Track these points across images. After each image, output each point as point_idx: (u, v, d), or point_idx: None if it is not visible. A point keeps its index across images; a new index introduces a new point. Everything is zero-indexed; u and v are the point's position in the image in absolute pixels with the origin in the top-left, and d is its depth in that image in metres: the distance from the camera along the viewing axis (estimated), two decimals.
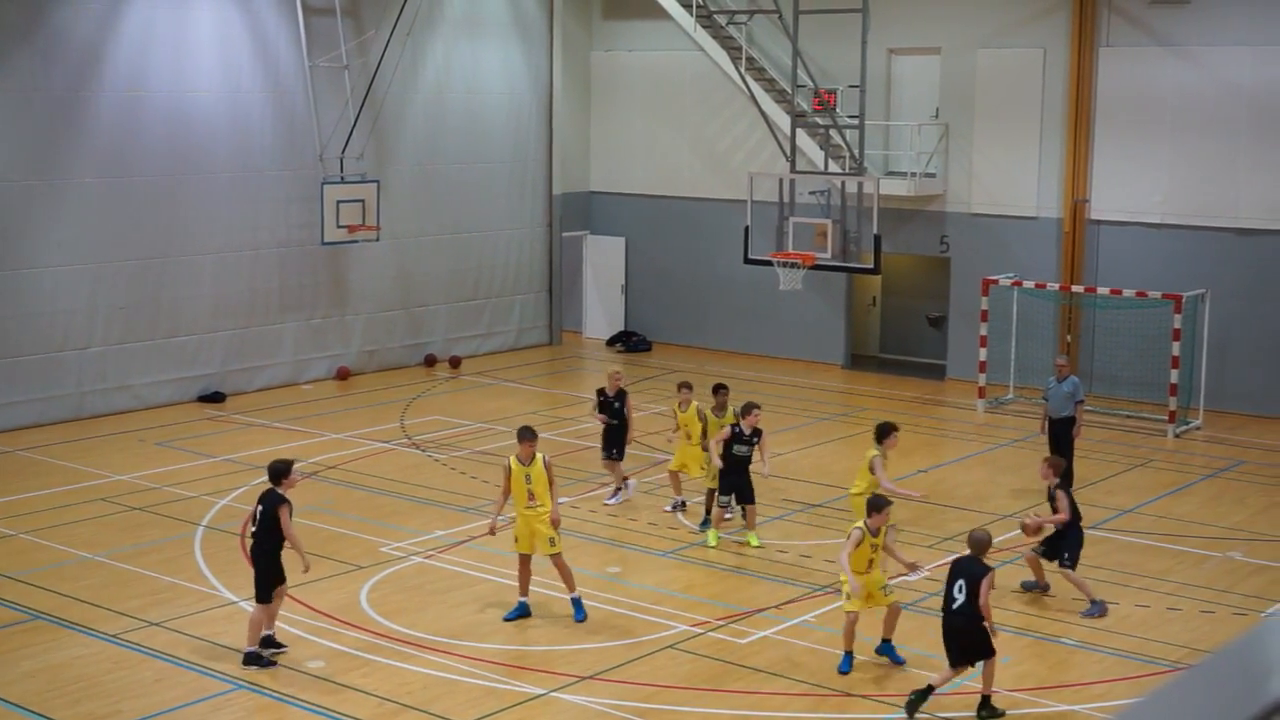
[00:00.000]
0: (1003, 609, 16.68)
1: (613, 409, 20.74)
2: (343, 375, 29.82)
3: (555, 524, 15.99)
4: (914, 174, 29.25)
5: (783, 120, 28.72)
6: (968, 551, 14.06)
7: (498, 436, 24.75)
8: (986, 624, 13.53)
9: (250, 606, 15.21)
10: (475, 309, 32.67)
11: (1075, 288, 27.58)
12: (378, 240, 29.62)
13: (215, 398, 27.64)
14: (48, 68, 25.28)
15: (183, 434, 24.99)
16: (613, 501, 20.83)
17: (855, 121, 27.02)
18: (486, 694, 14.16)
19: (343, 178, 28.96)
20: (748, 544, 18.82)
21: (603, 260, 34.76)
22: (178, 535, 19.21)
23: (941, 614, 13.89)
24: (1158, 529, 19.93)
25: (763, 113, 29.10)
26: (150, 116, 26.67)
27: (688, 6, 30.60)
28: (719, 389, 20.34)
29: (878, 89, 29.13)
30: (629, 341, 33.80)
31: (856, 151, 27.10)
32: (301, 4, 28.52)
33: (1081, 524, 16.77)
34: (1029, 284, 27.61)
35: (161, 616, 16.24)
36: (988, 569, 13.73)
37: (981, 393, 27.39)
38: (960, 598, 13.55)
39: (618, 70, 34.11)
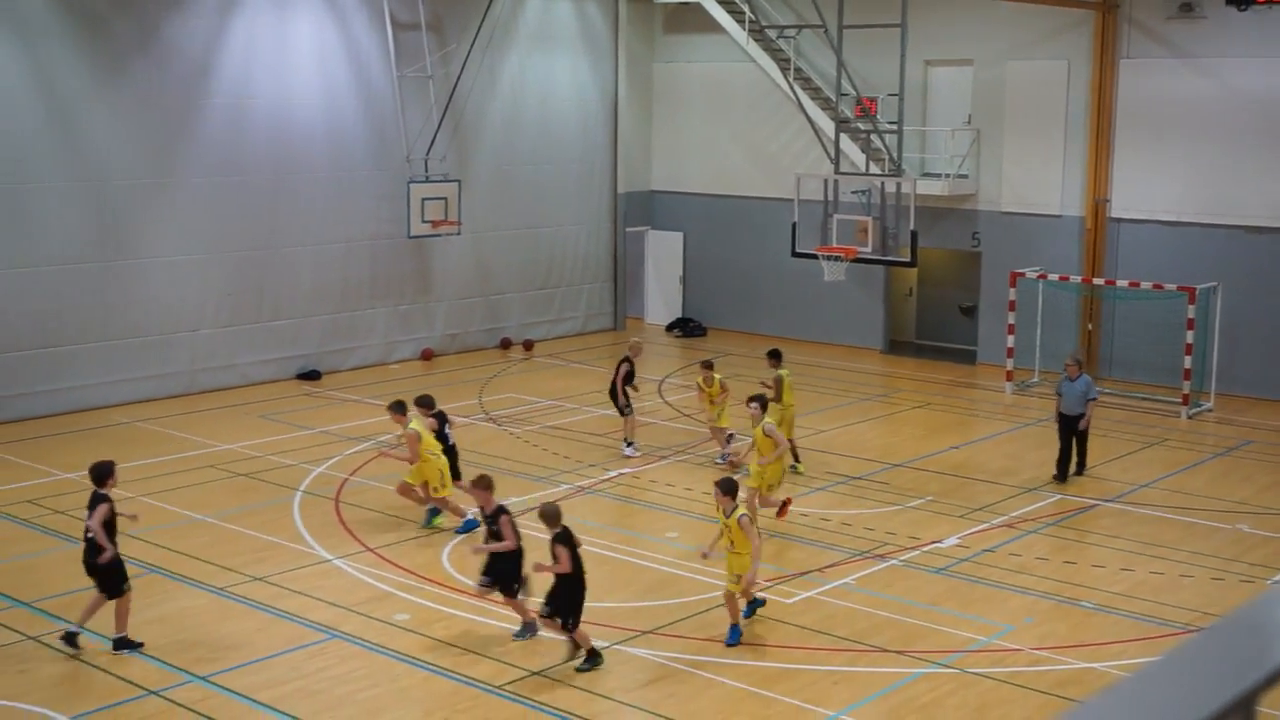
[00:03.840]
0: (1030, 574, 16.62)
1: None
2: (427, 356, 29.98)
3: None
4: (948, 175, 29.10)
5: (827, 125, 28.59)
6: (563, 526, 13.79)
7: (566, 413, 24.84)
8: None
9: (344, 564, 15.30)
10: (546, 297, 32.74)
11: (1096, 280, 27.38)
12: (459, 234, 29.72)
13: (312, 375, 27.86)
14: (163, 78, 25.51)
15: (283, 408, 25.20)
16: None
17: (894, 127, 26.84)
18: (556, 645, 14.21)
19: (427, 177, 29.08)
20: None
21: (663, 253, 34.74)
22: (278, 499, 19.39)
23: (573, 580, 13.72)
24: (1171, 502, 19.74)
25: (809, 119, 29.00)
26: (255, 122, 26.86)
27: (741, 22, 30.58)
28: (773, 354, 21.35)
29: (915, 97, 28.93)
30: (686, 327, 33.76)
31: (895, 154, 26.93)
32: (391, 20, 28.64)
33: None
34: (1053, 276, 27.39)
35: (263, 572, 16.40)
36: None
37: (1009, 376, 27.20)
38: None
39: (677, 80, 34.06)
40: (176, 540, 17.55)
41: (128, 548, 17.11)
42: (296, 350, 27.91)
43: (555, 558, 13.55)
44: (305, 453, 21.90)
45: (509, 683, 13.31)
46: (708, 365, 21.30)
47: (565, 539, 13.68)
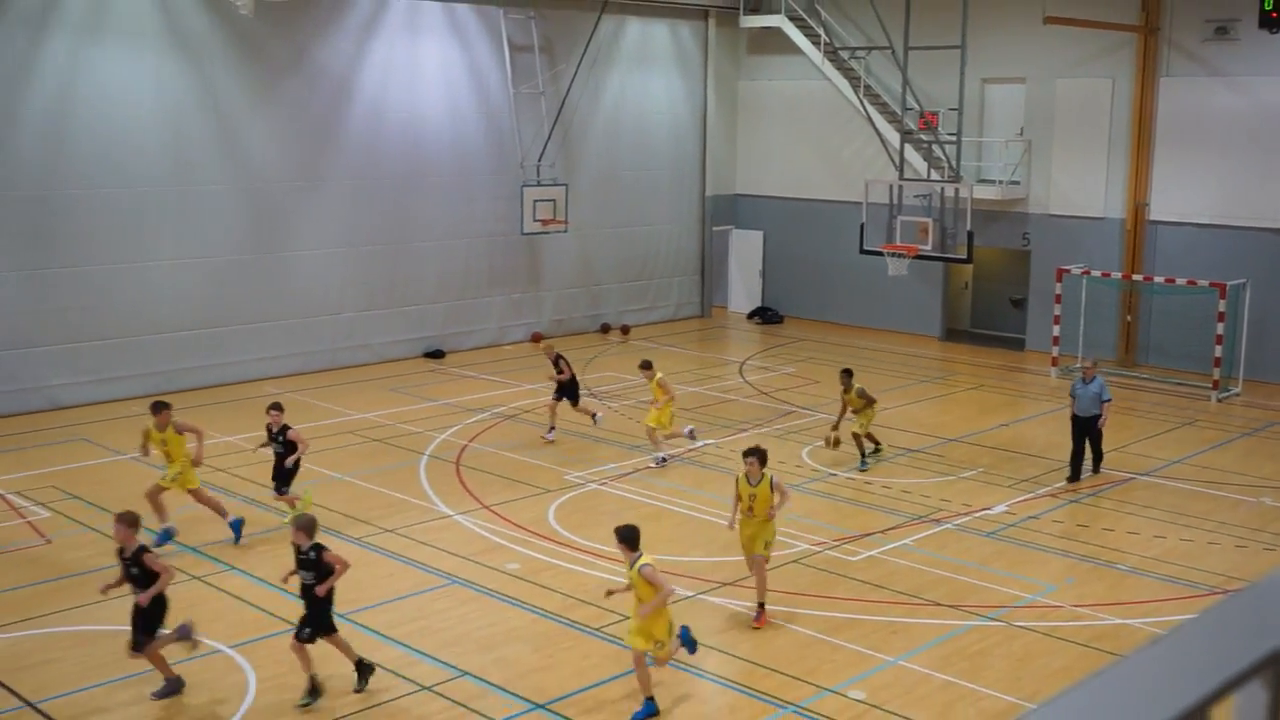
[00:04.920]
0: (1071, 539, 16.38)
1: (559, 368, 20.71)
2: (536, 339, 30.10)
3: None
4: (1001, 182, 28.67)
5: (893, 137, 28.30)
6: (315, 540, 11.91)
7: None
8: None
9: (463, 519, 15.36)
10: (642, 287, 32.74)
11: (1135, 276, 26.84)
12: (565, 231, 29.82)
13: (436, 354, 28.11)
14: (310, 94, 25.83)
15: (411, 382, 25.46)
16: (549, 436, 20.75)
17: (953, 138, 26.53)
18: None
19: (538, 181, 29.18)
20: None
21: (745, 249, 34.61)
22: (406, 462, 19.60)
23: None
24: (1200, 477, 19.33)
25: (877, 130, 28.72)
26: (389, 132, 27.12)
27: (817, 44, 30.37)
28: (845, 372, 19.62)
29: (973, 111, 28.54)
30: (765, 315, 33.61)
31: (954, 163, 26.61)
32: (509, 43, 28.75)
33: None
34: (1096, 273, 26.88)
35: (393, 525, 16.62)
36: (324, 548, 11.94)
37: (1054, 362, 26.76)
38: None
39: (760, 95, 33.86)
40: (320, 496, 17.77)
41: (279, 502, 17.41)
42: (423, 332, 28.18)
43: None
44: (430, 421, 22.12)
45: (604, 626, 13.37)
46: (646, 366, 19.81)
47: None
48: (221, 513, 15.93)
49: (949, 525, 16.87)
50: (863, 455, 19.44)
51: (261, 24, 24.32)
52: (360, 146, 26.66)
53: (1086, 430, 18.71)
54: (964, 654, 12.83)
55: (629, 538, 11.62)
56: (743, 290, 34.76)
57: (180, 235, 24.21)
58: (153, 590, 11.62)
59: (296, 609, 13.90)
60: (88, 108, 22.86)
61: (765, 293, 34.28)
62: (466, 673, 12.28)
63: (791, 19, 31.14)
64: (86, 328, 23.22)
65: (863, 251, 27.00)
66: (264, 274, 25.44)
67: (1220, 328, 24.56)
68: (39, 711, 11.44)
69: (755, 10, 32.21)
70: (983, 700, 11.82)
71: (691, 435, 20.03)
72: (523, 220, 28.88)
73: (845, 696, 11.87)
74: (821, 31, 30.46)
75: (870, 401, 19.37)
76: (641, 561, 11.40)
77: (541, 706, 11.62)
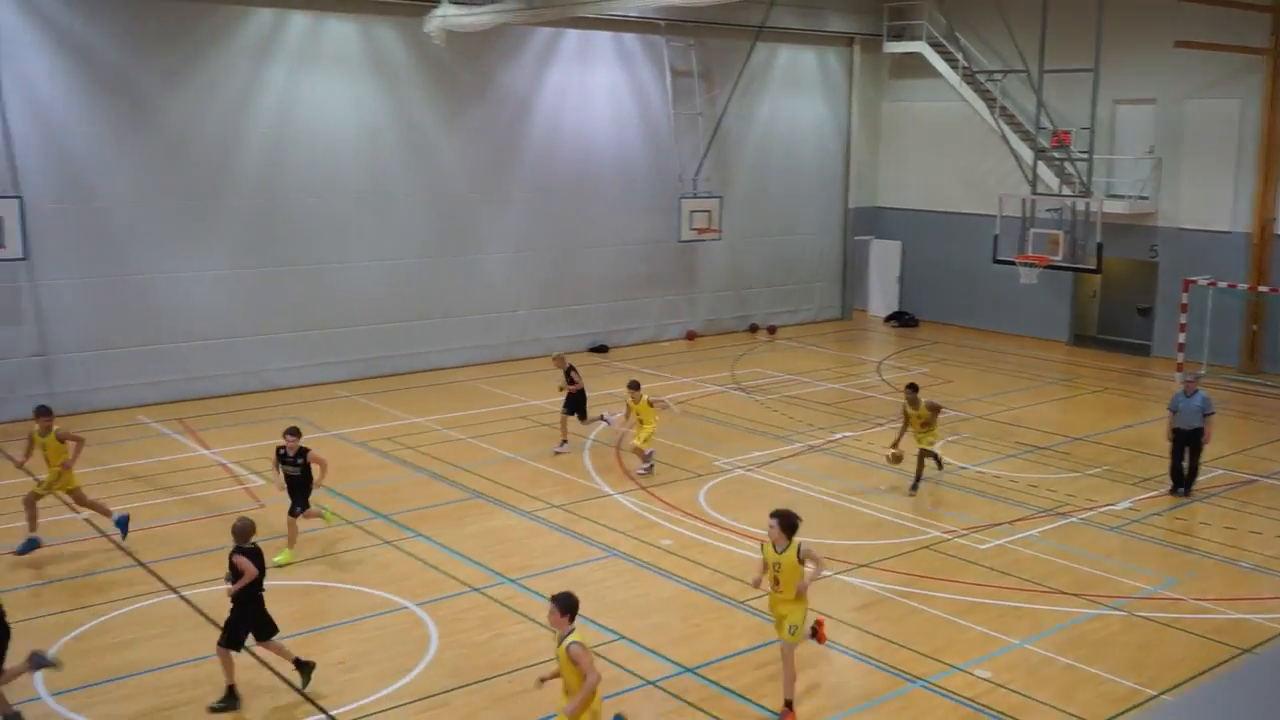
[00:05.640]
0: (1194, 536, 15.70)
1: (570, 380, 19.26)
2: (690, 337, 30.16)
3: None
4: (1131, 196, 27.64)
5: (1026, 154, 27.49)
6: (248, 544, 11.02)
7: (801, 386, 24.62)
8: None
9: (622, 498, 15.40)
10: (787, 291, 32.48)
11: (1261, 288, 25.60)
12: (719, 239, 29.77)
13: (600, 349, 28.34)
14: (493, 115, 26.27)
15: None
16: (561, 449, 19.12)
17: (1085, 156, 25.63)
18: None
19: (695, 194, 29.18)
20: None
21: (884, 257, 34.04)
22: (571, 445, 19.66)
23: (246, 603, 10.99)
24: None
25: (1011, 149, 27.92)
26: (562, 149, 27.43)
27: (955, 68, 29.71)
28: (911, 388, 17.58)
29: (1104, 130, 27.55)
30: (902, 319, 33.02)
31: (1085, 179, 25.71)
32: (670, 69, 28.81)
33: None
34: (1222, 284, 25.72)
35: (560, 501, 16.79)
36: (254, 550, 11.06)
37: (1179, 367, 25.65)
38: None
39: (901, 116, 33.26)
40: (496, 474, 18.14)
41: (460, 478, 17.79)
42: (589, 329, 28.44)
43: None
44: (594, 409, 22.27)
45: (748, 600, 13.30)
46: (634, 386, 18.11)
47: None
48: (106, 512, 14.98)
49: (1074, 519, 16.32)
50: (918, 477, 17.37)
51: (451, 53, 24.84)
52: (536, 162, 27.03)
53: (1188, 443, 17.21)
54: (1086, 640, 12.40)
55: (567, 605, 8.97)
56: (881, 295, 34.20)
57: (378, 239, 24.91)
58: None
59: (472, 572, 14.17)
60: (301, 126, 23.68)
61: (902, 298, 33.67)
62: (623, 636, 12.35)
63: (932, 45, 30.56)
64: (298, 319, 24.05)
65: (996, 261, 26.27)
66: (449, 274, 26.00)
67: None
68: (250, 653, 11.88)
69: (898, 37, 31.67)
70: (1104, 685, 11.41)
71: (603, 419, 19.36)
72: (680, 229, 28.93)
73: (971, 674, 11.59)
74: (960, 56, 29.79)
75: (936, 410, 17.35)
76: (571, 639, 8.84)
77: (690, 670, 11.62)
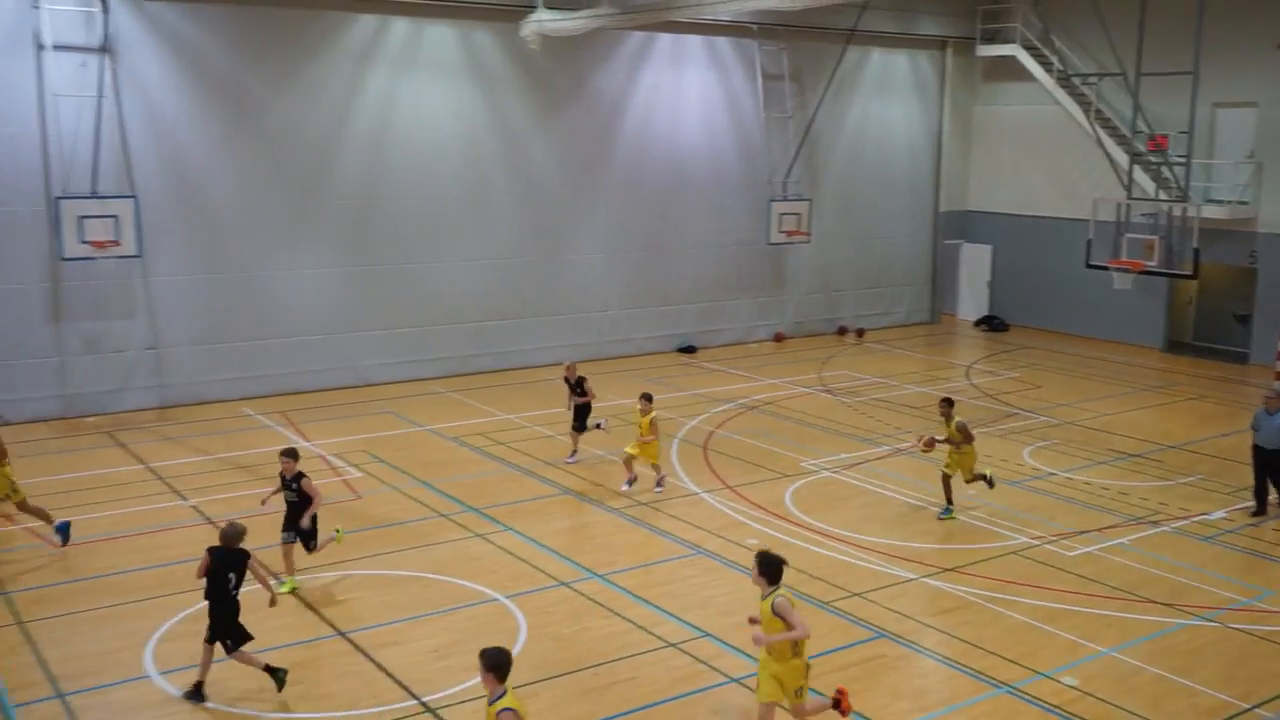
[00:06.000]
0: None
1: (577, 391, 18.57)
2: (778, 338, 30.03)
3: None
4: (1230, 201, 26.90)
5: (1122, 158, 26.91)
6: (220, 544, 11.05)
7: (889, 389, 24.39)
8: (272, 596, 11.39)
9: (709, 497, 15.36)
10: (876, 294, 32.18)
11: None
12: (808, 242, 29.62)
13: (689, 349, 28.35)
14: (586, 117, 26.44)
15: (665, 374, 25.73)
16: (570, 461, 18.52)
17: (1183, 160, 25.01)
18: (873, 575, 14.05)
19: (785, 197, 29.06)
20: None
21: (974, 261, 33.54)
22: (660, 444, 19.79)
23: (210, 601, 10.99)
24: None
25: (1106, 153, 27.36)
26: (654, 151, 27.50)
27: (1050, 71, 29.19)
28: (945, 401, 16.29)
29: (1202, 134, 26.83)
30: (991, 323, 32.51)
31: (1182, 183, 25.09)
32: (761, 73, 28.71)
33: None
34: None
35: (648, 499, 16.79)
36: (247, 554, 11.12)
37: (1278, 376, 24.92)
38: (234, 586, 11.00)
39: (993, 119, 32.74)
40: (585, 471, 18.22)
41: (550, 474, 17.95)
42: (678, 329, 28.48)
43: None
44: (682, 409, 22.33)
45: (833, 600, 13.24)
46: (646, 398, 16.94)
47: None
48: (47, 519, 14.78)
49: (1166, 528, 15.94)
50: (949, 501, 16.09)
51: (546, 58, 25.06)
52: (628, 164, 27.14)
53: (1270, 463, 16.11)
54: (1177, 650, 12.12)
55: (497, 664, 8.12)
56: (970, 299, 33.71)
57: (473, 239, 25.24)
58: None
59: (560, 566, 14.32)
60: (400, 129, 24.09)
61: (992, 302, 33.15)
62: (708, 634, 12.38)
63: (1026, 48, 30.03)
64: (394, 316, 24.48)
65: (1089, 266, 25.75)
66: (543, 273, 26.24)
67: None
68: (347, 639, 12.15)
69: (992, 40, 31.19)
70: (1196, 696, 11.15)
71: (599, 426, 18.71)
72: (769, 231, 28.83)
73: (1058, 681, 11.40)
74: (1055, 59, 29.25)
75: (968, 439, 15.90)
76: (503, 705, 7.99)
77: None
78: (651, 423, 16.72)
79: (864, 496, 16.94)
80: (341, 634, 12.28)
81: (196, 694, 10.94)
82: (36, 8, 20.16)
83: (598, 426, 18.90)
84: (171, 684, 11.19)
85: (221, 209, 22.40)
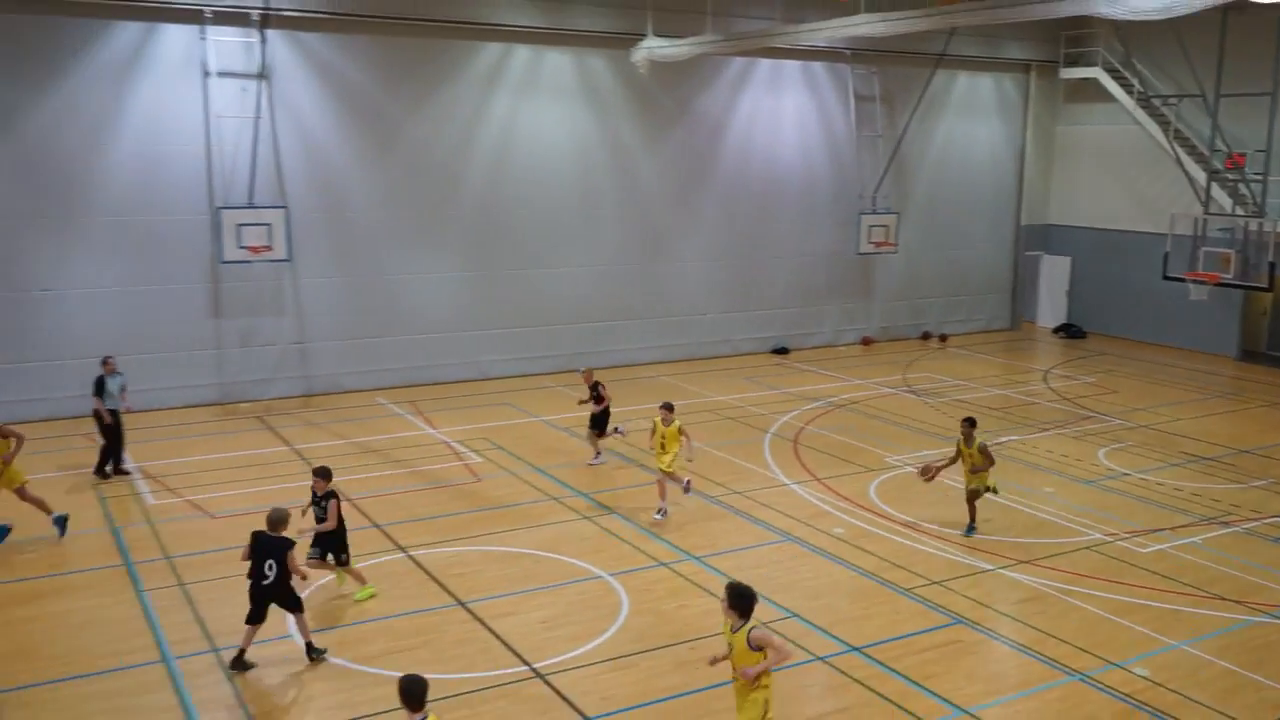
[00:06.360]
0: None
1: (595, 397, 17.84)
2: (865, 342, 29.67)
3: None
4: None
5: (1199, 175, 26.00)
6: (266, 529, 10.93)
7: (970, 390, 23.93)
8: (300, 579, 11.09)
9: (798, 488, 15.26)
10: (959, 302, 31.59)
11: None
12: (895, 252, 29.21)
13: (782, 351, 28.17)
14: (690, 136, 26.43)
15: (760, 373, 25.63)
16: (596, 462, 17.85)
17: (1260, 177, 24.07)
18: (951, 564, 13.81)
19: (874, 210, 28.71)
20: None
21: (1054, 272, 32.70)
22: (753, 438, 19.73)
23: (251, 585, 10.93)
24: None
25: (1184, 171, 26.47)
26: (752, 167, 27.37)
27: (1130, 92, 28.33)
28: (968, 422, 15.11)
29: None
30: (1069, 330, 31.66)
31: (1259, 199, 24.15)
32: (854, 94, 28.40)
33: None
34: None
35: (740, 488, 16.78)
36: (288, 544, 10.89)
37: None
38: (271, 575, 10.85)
39: (1074, 138, 31.87)
40: (683, 460, 18.24)
41: (652, 463, 17.93)
42: (771, 332, 28.32)
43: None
44: (774, 406, 22.21)
45: (915, 588, 13.06)
46: (667, 408, 15.28)
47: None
48: (46, 510, 14.43)
49: (1238, 529, 15.36)
50: (972, 521, 14.91)
51: (654, 81, 25.13)
52: (728, 178, 27.08)
53: None
54: (1247, 646, 11.68)
55: (412, 694, 7.37)
56: (1049, 307, 32.87)
57: (584, 247, 25.43)
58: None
59: (660, 548, 14.36)
60: (521, 146, 24.38)
61: (1070, 310, 32.29)
62: (796, 614, 12.30)
63: (1108, 70, 29.20)
64: (512, 316, 24.79)
65: (1165, 278, 24.95)
66: (646, 279, 26.32)
67: None
68: (466, 609, 12.36)
69: (1074, 63, 30.39)
70: (1264, 690, 10.73)
71: (687, 488, 15.56)
72: (859, 242, 28.51)
73: (1130, 672, 11.08)
74: (1135, 81, 28.38)
75: (990, 461, 14.72)
76: None
77: (857, 649, 11.49)
78: (680, 430, 15.02)
79: (944, 491, 16.65)
80: (461, 604, 12.49)
81: (239, 663, 10.83)
82: (204, 39, 20.87)
83: (615, 430, 18.13)
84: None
85: (361, 218, 22.94)
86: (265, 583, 10.92)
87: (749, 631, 8.37)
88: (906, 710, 10.29)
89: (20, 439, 14.31)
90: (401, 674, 7.75)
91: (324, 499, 12.33)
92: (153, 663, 11.07)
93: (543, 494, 16.37)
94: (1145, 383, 25.05)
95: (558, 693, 10.52)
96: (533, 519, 15.34)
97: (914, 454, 18.71)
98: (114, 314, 20.87)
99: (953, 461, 15.03)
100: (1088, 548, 14.46)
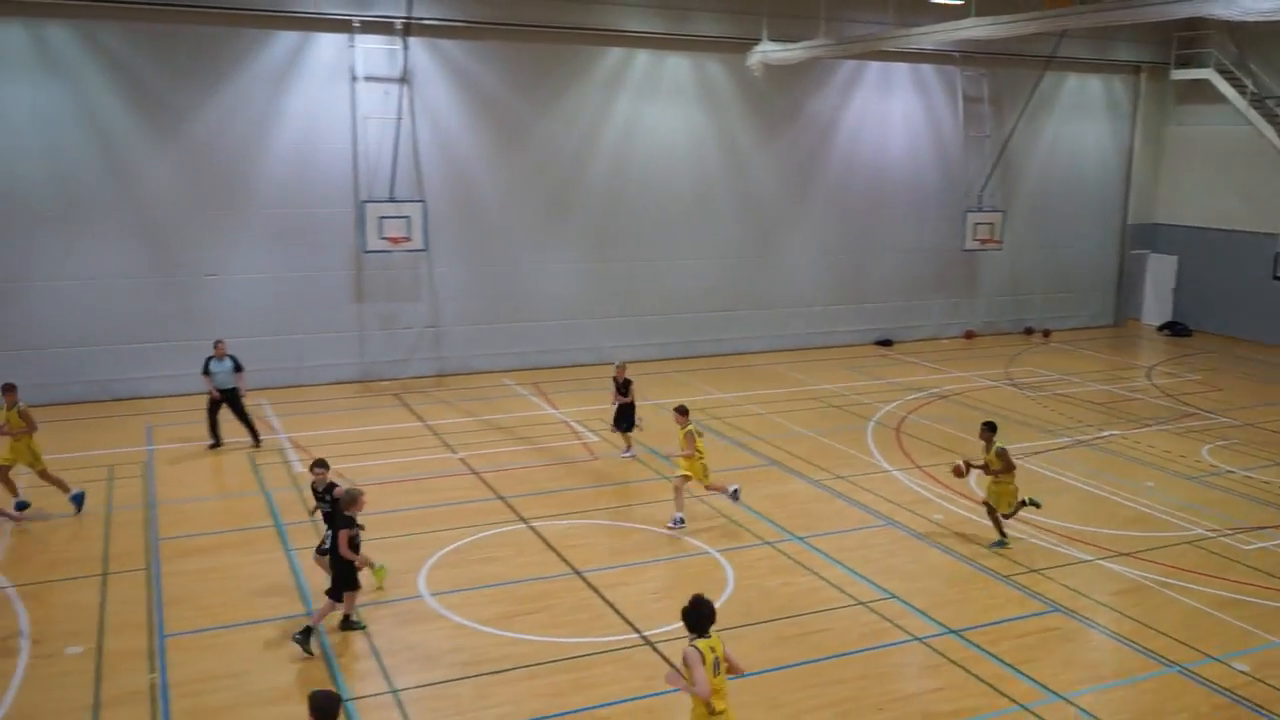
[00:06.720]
0: None
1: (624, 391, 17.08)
2: (969, 336, 28.92)
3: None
4: None
5: None
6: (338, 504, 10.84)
7: (1073, 386, 23.12)
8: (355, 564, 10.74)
9: (899, 474, 15.02)
10: (1064, 298, 30.52)
11: None
12: (1000, 249, 28.37)
13: (885, 343, 27.67)
14: (802, 135, 26.09)
15: (864, 364, 25.24)
16: (626, 455, 17.13)
17: None
18: (1050, 554, 13.37)
19: (980, 208, 27.92)
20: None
21: (1160, 270, 31.32)
22: (856, 425, 19.44)
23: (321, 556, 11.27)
24: None
25: None
26: (861, 166, 26.90)
27: (1243, 93, 26.91)
28: (988, 426, 13.79)
29: None
30: (1174, 328, 30.31)
31: None
32: (962, 96, 27.64)
33: None
34: None
35: (843, 473, 16.56)
36: (347, 521, 10.62)
37: None
38: (327, 546, 10.92)
39: (1184, 138, 30.43)
40: (788, 445, 18.09)
41: (758, 447, 17.83)
42: (876, 324, 27.82)
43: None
44: (877, 395, 21.84)
45: (1013, 575, 12.69)
46: (681, 411, 14.10)
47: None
48: (65, 488, 14.33)
49: None
50: (1001, 534, 13.57)
51: (768, 83, 24.87)
52: (836, 176, 26.65)
53: None
54: None
55: (316, 707, 6.85)
56: (1155, 305, 31.52)
57: (700, 240, 25.35)
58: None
59: (765, 528, 14.21)
60: (641, 145, 24.42)
61: (1176, 308, 30.92)
62: (894, 595, 12.08)
63: (1220, 71, 27.79)
64: (630, 305, 24.88)
65: (1275, 278, 23.68)
66: (758, 272, 26.10)
67: None
68: (582, 577, 12.46)
69: (1186, 64, 29.00)
70: None
71: (735, 496, 14.37)
72: (964, 238, 27.77)
73: (1229, 666, 10.56)
74: (1249, 82, 26.93)
75: (1009, 467, 13.39)
76: None
77: (954, 632, 11.22)
78: (689, 435, 13.83)
79: (1045, 483, 16.13)
80: (577, 572, 12.60)
81: (305, 637, 10.56)
82: (352, 47, 21.43)
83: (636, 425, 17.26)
84: (440, 604, 11.76)
85: (491, 212, 23.29)
86: (325, 549, 11.08)
87: (686, 647, 7.69)
88: (1002, 693, 10.01)
89: (32, 427, 14.03)
90: (314, 689, 7.14)
91: (327, 491, 11.49)
92: (297, 615, 11.46)
93: (654, 473, 16.40)
94: (1251, 381, 23.83)
95: (665, 659, 10.53)
96: (645, 496, 15.38)
97: (1015, 445, 18.15)
98: (269, 297, 21.63)
99: (974, 468, 13.75)
100: (1189, 542, 13.84)
